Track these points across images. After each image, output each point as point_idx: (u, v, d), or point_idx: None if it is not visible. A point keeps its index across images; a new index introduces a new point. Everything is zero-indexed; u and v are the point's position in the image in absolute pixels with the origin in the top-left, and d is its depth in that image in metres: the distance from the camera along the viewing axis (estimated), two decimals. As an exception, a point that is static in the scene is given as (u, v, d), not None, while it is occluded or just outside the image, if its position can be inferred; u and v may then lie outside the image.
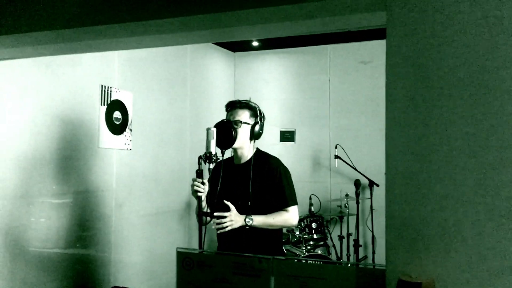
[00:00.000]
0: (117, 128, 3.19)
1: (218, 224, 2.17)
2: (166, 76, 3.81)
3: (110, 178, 3.14)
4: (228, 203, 2.21)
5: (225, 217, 2.17)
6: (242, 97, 3.83)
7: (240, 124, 2.28)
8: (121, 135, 3.22)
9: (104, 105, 3.08)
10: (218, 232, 2.21)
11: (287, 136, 4.74)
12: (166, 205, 3.73)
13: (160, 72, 3.72)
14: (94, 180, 3.00)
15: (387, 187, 0.98)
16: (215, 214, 2.16)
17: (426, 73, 0.99)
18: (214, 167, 2.37)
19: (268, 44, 4.81)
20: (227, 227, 2.16)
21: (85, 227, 2.93)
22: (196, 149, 3.88)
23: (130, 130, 3.31)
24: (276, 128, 4.78)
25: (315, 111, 4.65)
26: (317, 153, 4.60)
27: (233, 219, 2.17)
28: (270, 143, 4.69)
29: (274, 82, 4.86)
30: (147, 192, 3.50)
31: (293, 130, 4.73)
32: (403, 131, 0.95)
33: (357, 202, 4.07)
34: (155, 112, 3.62)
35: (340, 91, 4.56)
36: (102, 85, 3.06)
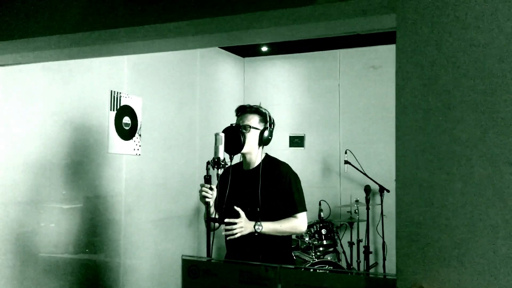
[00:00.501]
0: (126, 133, 3.20)
1: (227, 230, 2.16)
2: (175, 81, 3.81)
3: (119, 183, 3.14)
4: (238, 209, 2.20)
5: (235, 223, 2.16)
6: (251, 102, 3.81)
7: (249, 128, 2.27)
8: (130, 140, 3.23)
9: (113, 110, 3.09)
10: (228, 238, 2.19)
11: (296, 141, 4.73)
12: (175, 211, 3.73)
13: (169, 77, 3.74)
14: (103, 185, 3.01)
15: (398, 194, 0.95)
16: (226, 220, 2.15)
17: (437, 77, 0.96)
18: (223, 172, 2.37)
19: (277, 49, 4.80)
20: (236, 233, 2.14)
21: (94, 232, 2.93)
22: (205, 154, 3.88)
23: (139, 135, 3.31)
24: (286, 133, 4.76)
25: (325, 116, 4.62)
26: (326, 158, 4.57)
27: (243, 225, 2.16)
28: (280, 149, 4.67)
29: (283, 87, 4.85)
30: (156, 197, 3.50)
31: (303, 135, 4.71)
32: (414, 137, 0.92)
33: (367, 208, 4.03)
34: (164, 117, 3.63)
35: (350, 96, 4.53)
36: (111, 91, 3.07)
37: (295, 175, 2.31)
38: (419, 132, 0.91)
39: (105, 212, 3.03)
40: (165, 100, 3.65)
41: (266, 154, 2.41)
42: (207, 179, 2.14)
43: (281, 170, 2.28)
